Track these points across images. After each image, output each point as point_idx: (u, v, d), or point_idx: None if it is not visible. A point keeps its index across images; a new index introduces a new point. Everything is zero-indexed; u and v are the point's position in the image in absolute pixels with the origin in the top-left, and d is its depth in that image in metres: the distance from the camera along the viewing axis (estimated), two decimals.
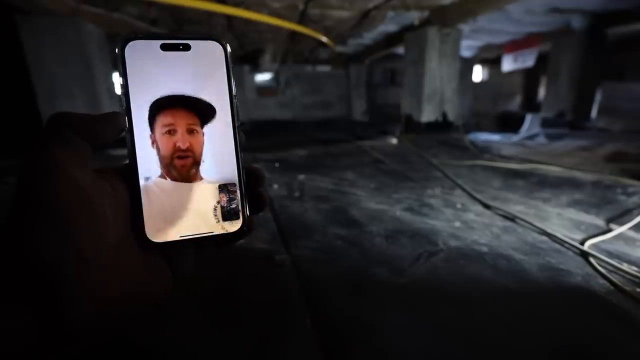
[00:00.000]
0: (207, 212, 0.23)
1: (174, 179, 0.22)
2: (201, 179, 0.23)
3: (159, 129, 0.22)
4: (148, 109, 0.22)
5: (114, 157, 1.93)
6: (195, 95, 0.23)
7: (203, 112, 0.23)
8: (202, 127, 0.23)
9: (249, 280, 0.69)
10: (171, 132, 0.22)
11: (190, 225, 0.22)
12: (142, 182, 0.22)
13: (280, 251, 0.83)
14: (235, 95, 0.24)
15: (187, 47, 0.23)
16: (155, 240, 0.21)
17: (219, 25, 3.19)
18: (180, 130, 0.23)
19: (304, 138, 3.32)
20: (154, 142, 0.22)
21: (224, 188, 0.24)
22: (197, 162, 0.23)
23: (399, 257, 0.81)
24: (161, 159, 0.22)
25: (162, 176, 0.22)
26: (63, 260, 0.17)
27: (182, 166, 0.23)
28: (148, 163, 0.22)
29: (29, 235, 0.17)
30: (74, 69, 2.32)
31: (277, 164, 1.95)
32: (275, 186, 1.46)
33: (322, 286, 0.69)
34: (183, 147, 0.23)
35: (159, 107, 0.22)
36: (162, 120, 0.22)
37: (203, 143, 0.23)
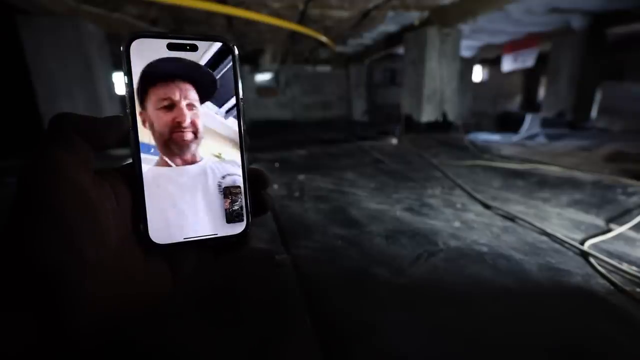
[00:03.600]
0: (210, 214, 0.23)
1: (173, 156, 0.21)
2: (200, 159, 0.22)
3: (152, 104, 0.21)
4: (136, 79, 0.20)
5: (114, 157, 1.93)
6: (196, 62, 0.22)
7: (204, 84, 0.22)
8: (202, 101, 0.22)
9: (249, 280, 0.69)
10: (168, 107, 0.21)
11: (194, 227, 0.22)
12: (144, 170, 0.21)
13: (280, 251, 0.83)
14: (242, 98, 0.24)
15: (194, 48, 0.22)
16: (158, 242, 0.21)
17: (219, 26, 3.19)
18: (181, 104, 0.21)
19: (304, 138, 3.32)
20: (145, 120, 0.21)
21: (227, 190, 0.23)
22: (197, 138, 0.22)
23: (399, 257, 0.81)
24: (157, 136, 0.21)
25: (159, 163, 0.21)
26: (64, 263, 0.17)
27: (182, 140, 0.21)
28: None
29: (30, 237, 0.16)
30: (74, 69, 2.31)
31: (277, 164, 1.95)
32: (275, 186, 1.46)
33: (322, 286, 0.69)
34: (185, 123, 0.21)
35: (152, 79, 0.21)
36: (157, 93, 0.21)
37: (201, 118, 0.22)
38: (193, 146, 0.22)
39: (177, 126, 0.21)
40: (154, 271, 0.21)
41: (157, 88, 0.21)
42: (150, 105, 0.21)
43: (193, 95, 0.22)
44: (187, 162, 0.22)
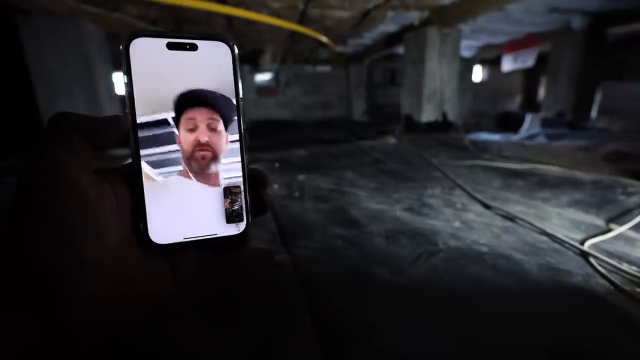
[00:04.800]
0: (210, 214, 0.23)
1: (194, 173, 0.23)
2: (219, 184, 0.24)
3: (183, 127, 0.23)
4: (172, 106, 0.23)
5: (114, 157, 1.93)
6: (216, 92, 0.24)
7: (225, 109, 0.24)
8: (225, 124, 0.24)
9: (249, 280, 0.69)
10: (193, 129, 0.23)
11: (194, 227, 0.22)
12: (158, 178, 0.22)
13: (280, 251, 0.83)
14: (241, 98, 0.24)
15: (194, 47, 0.22)
16: (158, 242, 0.21)
17: (219, 26, 3.19)
18: (202, 126, 0.23)
19: (304, 138, 3.32)
20: (179, 142, 0.23)
21: (227, 190, 0.23)
22: (216, 158, 0.24)
23: (399, 257, 0.81)
24: (183, 153, 0.23)
25: (182, 173, 0.23)
26: (63, 263, 0.17)
27: (201, 157, 0.23)
28: (164, 159, 0.22)
29: (30, 237, 0.16)
30: (74, 69, 2.31)
31: (277, 164, 1.95)
32: (275, 186, 1.46)
33: (322, 286, 0.69)
34: (202, 140, 0.23)
35: (184, 105, 0.23)
36: (186, 117, 0.23)
37: (224, 142, 0.24)
38: (212, 165, 0.24)
39: (197, 144, 0.23)
40: (154, 271, 0.21)
41: (187, 113, 0.23)
42: (182, 128, 0.23)
43: (215, 119, 0.24)
44: (207, 183, 0.24)
